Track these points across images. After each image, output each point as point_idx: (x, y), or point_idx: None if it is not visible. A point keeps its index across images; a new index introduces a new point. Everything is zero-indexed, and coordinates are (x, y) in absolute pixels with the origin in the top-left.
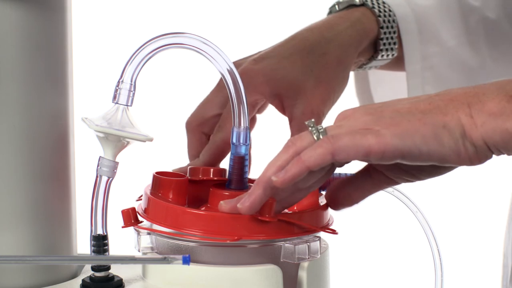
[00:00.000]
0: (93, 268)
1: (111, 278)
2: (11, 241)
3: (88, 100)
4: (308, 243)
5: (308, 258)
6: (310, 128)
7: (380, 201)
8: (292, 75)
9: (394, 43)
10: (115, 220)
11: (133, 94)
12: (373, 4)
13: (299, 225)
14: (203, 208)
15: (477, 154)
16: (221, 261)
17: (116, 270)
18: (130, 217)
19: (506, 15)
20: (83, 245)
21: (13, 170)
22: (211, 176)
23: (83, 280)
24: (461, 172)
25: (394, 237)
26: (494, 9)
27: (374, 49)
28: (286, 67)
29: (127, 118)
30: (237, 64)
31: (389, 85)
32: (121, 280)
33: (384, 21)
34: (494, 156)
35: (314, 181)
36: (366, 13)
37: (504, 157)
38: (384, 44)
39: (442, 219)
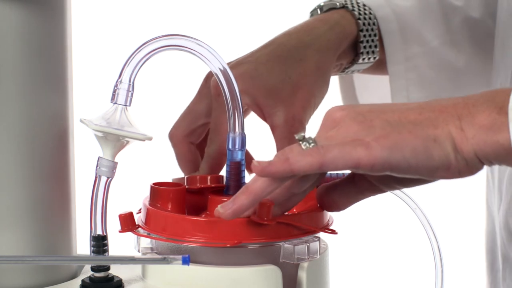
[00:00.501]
0: (92, 269)
1: (110, 279)
2: (11, 241)
3: (87, 100)
4: (308, 244)
5: (308, 258)
6: (300, 142)
7: (380, 200)
8: (270, 83)
9: (375, 46)
10: (114, 220)
11: (132, 94)
12: (353, 6)
13: (298, 226)
14: (203, 215)
15: (468, 167)
16: (221, 261)
17: (116, 270)
18: (128, 222)
19: (490, 14)
20: (83, 245)
21: (13, 170)
22: (209, 183)
23: (82, 281)
24: None
25: (394, 237)
26: (477, 8)
27: (354, 52)
28: (264, 74)
29: (126, 118)
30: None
31: (374, 89)
32: (120, 280)
33: (364, 23)
34: (485, 166)
35: (308, 185)
36: (346, 15)
37: None
38: (365, 47)
39: (442, 217)
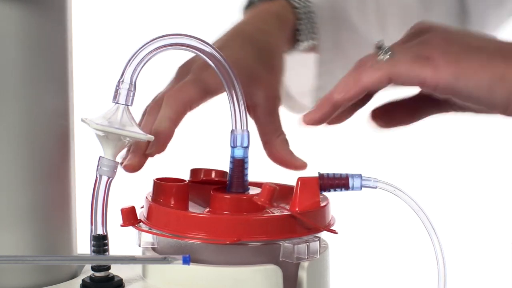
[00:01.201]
0: (93, 268)
1: (111, 278)
2: (11, 241)
3: (89, 100)
4: (308, 243)
5: (307, 258)
6: (379, 49)
7: (380, 200)
8: (250, 65)
9: (313, 33)
10: (115, 220)
11: (133, 94)
12: None
13: (303, 221)
14: (204, 212)
15: None
16: (221, 260)
17: (116, 270)
18: (130, 216)
19: None
20: (83, 245)
21: (13, 170)
22: (213, 177)
23: (83, 280)
24: (463, 171)
25: (395, 237)
26: None
27: (293, 39)
28: (244, 57)
29: (128, 118)
30: (190, 61)
31: (294, 70)
32: (121, 280)
33: (301, 12)
34: None
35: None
36: (285, 5)
37: (507, 155)
38: (301, 35)
39: (444, 217)
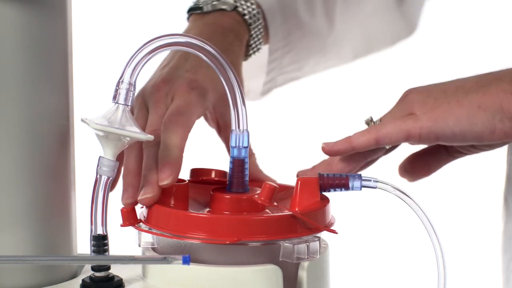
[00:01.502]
0: (93, 268)
1: (111, 278)
2: (11, 241)
3: (88, 100)
4: (308, 243)
5: (307, 258)
6: (370, 122)
7: (380, 200)
8: (219, 86)
9: (260, 43)
10: (115, 220)
11: (133, 94)
12: (243, 8)
13: (304, 221)
14: (204, 212)
15: None
16: (221, 260)
17: (116, 270)
18: (130, 217)
19: None
20: (83, 245)
21: (13, 170)
22: (213, 177)
23: (83, 280)
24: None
25: (395, 237)
26: None
27: (245, 52)
28: (214, 78)
29: (127, 118)
30: (171, 76)
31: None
32: (121, 280)
33: (253, 27)
34: (505, 165)
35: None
36: (239, 21)
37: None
38: (253, 48)
39: (444, 217)
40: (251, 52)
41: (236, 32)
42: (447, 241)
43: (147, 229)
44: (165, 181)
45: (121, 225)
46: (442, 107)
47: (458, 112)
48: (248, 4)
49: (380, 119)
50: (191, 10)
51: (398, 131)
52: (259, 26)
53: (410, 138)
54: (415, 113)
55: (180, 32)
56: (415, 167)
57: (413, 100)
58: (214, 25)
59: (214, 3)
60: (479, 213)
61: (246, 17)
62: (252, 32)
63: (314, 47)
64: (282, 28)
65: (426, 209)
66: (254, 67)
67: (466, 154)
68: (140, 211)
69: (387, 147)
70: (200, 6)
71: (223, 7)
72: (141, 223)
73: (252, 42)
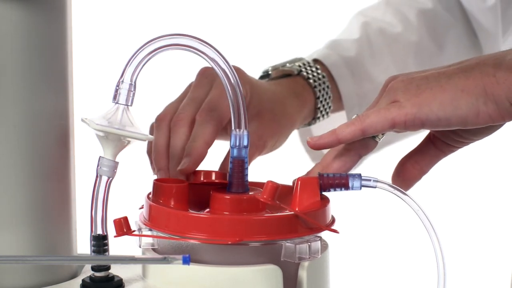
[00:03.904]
0: (93, 268)
1: (111, 278)
2: (11, 241)
3: (88, 100)
4: (309, 243)
5: (309, 258)
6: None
7: (380, 200)
8: (262, 100)
9: (330, 107)
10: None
11: (133, 94)
12: (307, 73)
13: (305, 221)
14: (205, 212)
15: (499, 111)
16: (221, 260)
17: (116, 270)
18: (122, 227)
19: (430, 34)
20: (83, 245)
21: (13, 170)
22: (213, 179)
23: (83, 280)
24: (462, 170)
25: (395, 236)
26: (416, 31)
27: (312, 116)
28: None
29: (127, 118)
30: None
31: (328, 127)
32: (121, 280)
33: (319, 90)
34: None
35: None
36: (305, 85)
37: (507, 155)
38: (321, 111)
39: (444, 217)
40: (319, 115)
41: (300, 94)
42: (447, 241)
43: (147, 230)
44: (182, 165)
45: (115, 236)
46: (425, 93)
47: (442, 97)
48: (313, 68)
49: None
50: (261, 78)
51: (383, 120)
52: (326, 89)
53: (396, 126)
54: (398, 101)
55: (181, 32)
56: (407, 169)
57: (395, 88)
58: (280, 85)
59: (281, 68)
60: (479, 212)
61: (310, 80)
62: (319, 94)
63: None
64: (353, 83)
65: (426, 208)
66: None
67: (455, 147)
68: (140, 212)
69: (378, 139)
70: (269, 72)
71: (289, 71)
72: (140, 225)
73: (319, 105)
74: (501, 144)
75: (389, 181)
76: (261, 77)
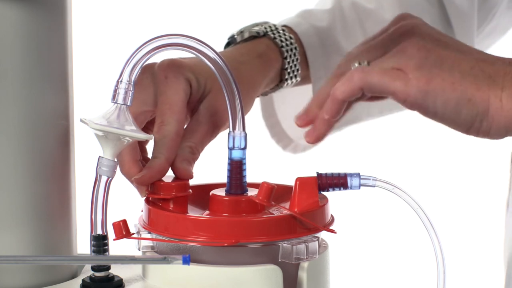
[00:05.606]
0: (93, 268)
1: (111, 278)
2: (11, 241)
3: (88, 100)
4: (307, 243)
5: (306, 258)
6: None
7: (379, 199)
8: (209, 73)
9: (298, 70)
10: (115, 220)
11: (132, 93)
12: (274, 34)
13: (302, 221)
14: (203, 214)
15: (489, 134)
16: (221, 261)
17: (116, 270)
18: (121, 230)
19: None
20: (83, 245)
21: (13, 170)
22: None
23: (83, 280)
24: (462, 169)
25: (395, 235)
26: (389, 10)
27: (279, 79)
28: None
29: (126, 117)
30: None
31: (292, 102)
32: (121, 280)
33: (287, 50)
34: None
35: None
36: (270, 44)
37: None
38: (289, 73)
39: (443, 216)
40: (287, 76)
41: (264, 54)
42: (447, 240)
43: (145, 234)
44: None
45: (114, 239)
46: (435, 82)
47: (450, 96)
48: (280, 31)
49: (368, 62)
50: (227, 45)
51: (384, 87)
52: (294, 51)
53: (394, 98)
54: (407, 74)
55: (180, 32)
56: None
57: (409, 55)
58: (243, 47)
59: (246, 32)
60: (478, 211)
61: (277, 40)
62: (286, 54)
63: None
64: (322, 54)
65: (426, 207)
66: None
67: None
68: (140, 215)
69: None
70: (235, 37)
71: (254, 33)
72: (139, 228)
73: (287, 66)
74: (501, 143)
75: (389, 180)
76: (228, 44)
